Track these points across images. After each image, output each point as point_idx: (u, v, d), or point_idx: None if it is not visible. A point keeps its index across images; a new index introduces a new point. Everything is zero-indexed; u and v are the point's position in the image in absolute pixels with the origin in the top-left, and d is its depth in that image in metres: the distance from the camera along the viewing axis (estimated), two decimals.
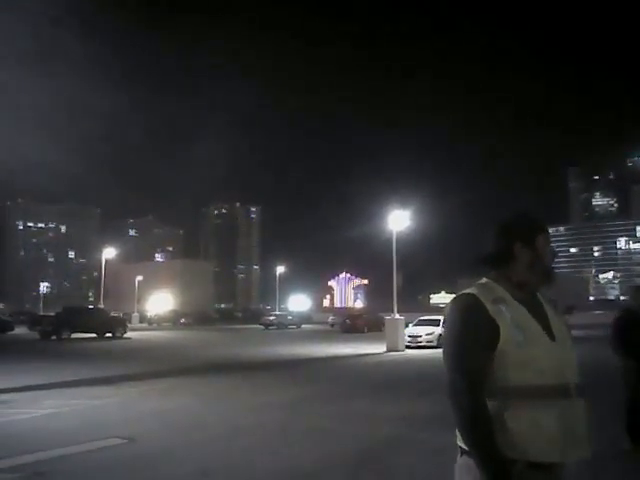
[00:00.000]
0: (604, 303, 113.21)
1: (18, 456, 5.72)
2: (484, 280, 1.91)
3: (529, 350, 1.73)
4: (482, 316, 1.76)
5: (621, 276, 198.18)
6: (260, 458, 5.77)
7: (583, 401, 1.78)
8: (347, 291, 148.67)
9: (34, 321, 32.86)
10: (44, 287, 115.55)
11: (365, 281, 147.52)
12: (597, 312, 62.58)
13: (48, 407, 8.64)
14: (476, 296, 1.81)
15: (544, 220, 1.96)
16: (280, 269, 64.78)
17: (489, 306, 1.78)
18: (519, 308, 1.81)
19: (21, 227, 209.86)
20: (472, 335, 1.75)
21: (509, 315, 1.77)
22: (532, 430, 1.68)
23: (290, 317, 51.34)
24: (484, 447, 1.66)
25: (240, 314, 75.99)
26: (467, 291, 1.86)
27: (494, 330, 1.74)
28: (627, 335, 5.69)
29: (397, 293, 22.95)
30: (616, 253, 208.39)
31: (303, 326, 49.37)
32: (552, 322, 1.83)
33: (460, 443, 1.77)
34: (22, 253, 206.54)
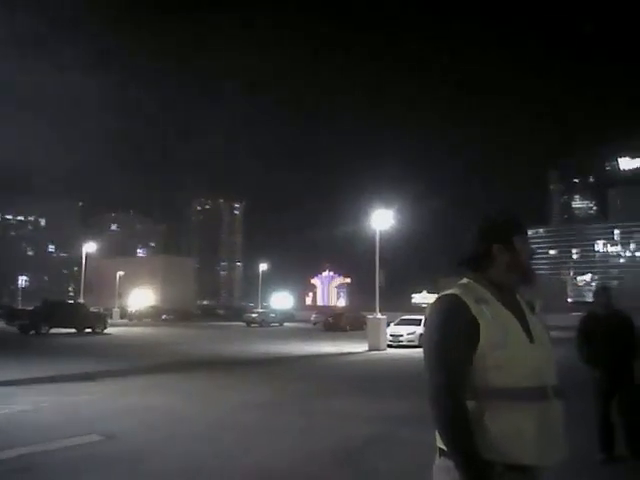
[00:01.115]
0: (582, 305, 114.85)
1: None
2: (465, 280, 1.92)
3: (509, 352, 1.75)
4: (464, 316, 1.77)
5: (599, 278, 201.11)
6: (240, 456, 5.78)
7: (561, 403, 1.80)
8: (330, 289, 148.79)
9: (12, 315, 32.25)
10: (23, 281, 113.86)
11: (348, 279, 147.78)
12: (575, 314, 63.51)
13: (26, 403, 8.53)
14: (458, 296, 1.82)
15: (523, 220, 1.97)
16: (263, 266, 64.55)
17: (471, 306, 1.78)
18: (500, 309, 1.83)
19: None
20: (454, 335, 1.76)
21: (490, 316, 1.78)
22: (511, 432, 1.69)
23: (273, 315, 51.23)
24: (463, 449, 1.67)
25: (222, 311, 75.60)
26: (449, 291, 1.86)
27: (475, 330, 1.75)
28: (588, 344, 5.26)
29: (379, 292, 23.04)
30: (594, 256, 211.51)
31: (285, 324, 49.32)
32: (531, 323, 1.85)
33: (439, 444, 1.77)
34: (0, 246, 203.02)
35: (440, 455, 1.77)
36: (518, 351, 1.77)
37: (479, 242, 1.91)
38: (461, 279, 1.95)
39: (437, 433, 1.77)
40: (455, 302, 1.81)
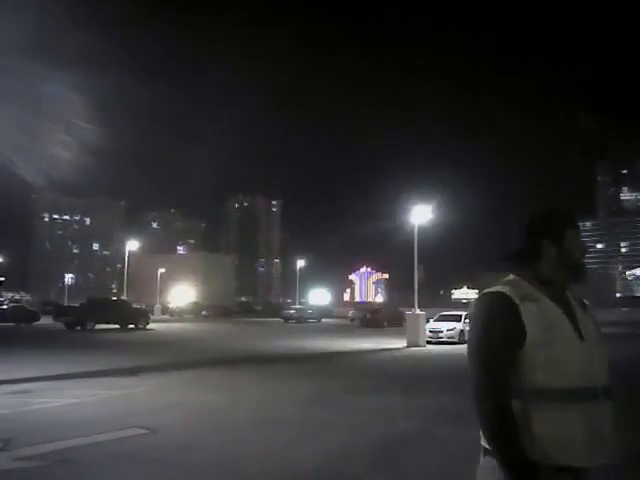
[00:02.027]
0: (631, 300, 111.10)
1: (42, 444, 5.82)
2: (511, 277, 1.86)
3: (557, 351, 1.68)
4: (510, 314, 1.71)
5: None
6: (278, 451, 5.78)
7: (611, 404, 1.73)
8: (368, 285, 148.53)
9: (59, 312, 33.41)
10: (69, 278, 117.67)
11: (386, 275, 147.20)
12: (624, 309, 61.48)
13: (71, 397, 8.79)
14: (504, 293, 1.76)
15: (574, 215, 1.89)
16: (300, 263, 64.90)
17: (517, 304, 1.72)
18: (548, 306, 1.76)
19: (47, 219, 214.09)
20: (499, 333, 1.70)
21: (538, 313, 1.72)
22: (559, 434, 1.63)
23: (310, 311, 51.40)
24: (509, 450, 1.62)
25: (260, 307, 76.43)
26: (495, 288, 1.80)
27: (521, 328, 1.69)
28: None
29: (418, 288, 22.78)
30: None
31: (323, 320, 49.43)
32: (581, 321, 1.78)
33: (484, 443, 1.73)
34: (47, 245, 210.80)
35: (485, 454, 1.73)
36: (567, 350, 1.70)
37: (528, 237, 1.85)
38: (506, 275, 1.89)
39: (482, 432, 1.72)
40: (500, 300, 1.75)
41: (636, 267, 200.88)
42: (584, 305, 1.87)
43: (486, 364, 1.70)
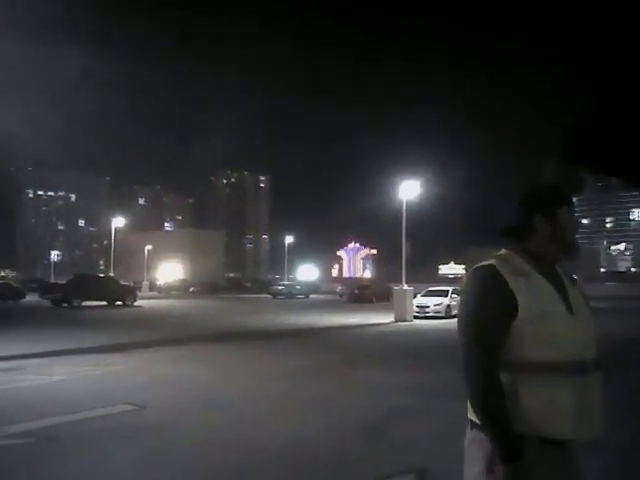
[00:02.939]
0: (615, 275, 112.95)
1: (29, 422, 5.81)
2: (503, 252, 1.85)
3: (548, 325, 1.68)
4: (501, 288, 1.71)
5: (633, 247, 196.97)
6: (267, 426, 5.81)
7: (599, 377, 1.74)
8: (356, 261, 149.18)
9: (45, 289, 33.25)
10: (55, 255, 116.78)
11: (374, 251, 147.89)
12: (608, 284, 62.52)
13: (59, 374, 8.76)
14: (496, 267, 1.75)
15: (567, 191, 1.89)
16: (289, 239, 64.88)
17: (509, 278, 1.72)
18: (539, 281, 1.76)
19: (31, 195, 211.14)
20: (490, 307, 1.70)
21: (529, 288, 1.72)
22: (546, 406, 1.64)
23: (298, 287, 51.63)
24: (497, 421, 1.64)
25: (249, 283, 76.58)
26: (486, 262, 1.80)
27: (512, 303, 1.69)
28: None
29: (406, 263, 22.91)
30: (629, 225, 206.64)
31: (311, 296, 49.68)
32: (571, 296, 1.78)
33: (471, 416, 1.74)
34: (33, 221, 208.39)
35: (472, 427, 1.75)
36: (557, 324, 1.70)
37: (520, 212, 1.84)
38: (495, 249, 1.89)
39: (469, 405, 1.74)
40: (492, 274, 1.75)
41: (620, 242, 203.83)
42: (573, 280, 1.87)
43: (476, 338, 1.69)
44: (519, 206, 1.85)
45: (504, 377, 1.67)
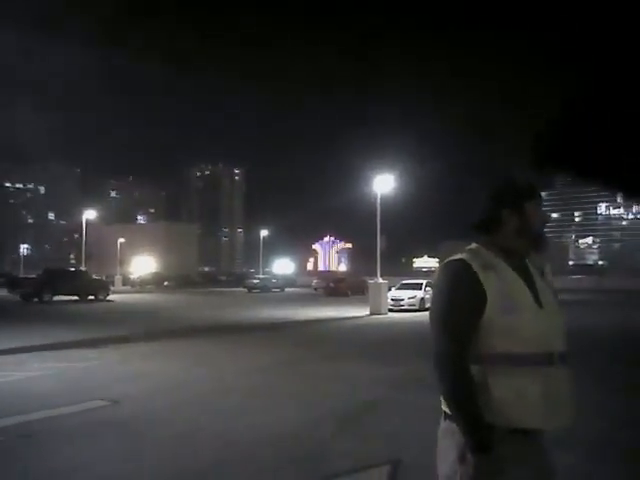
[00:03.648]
0: (583, 268, 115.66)
1: (2, 419, 5.71)
2: (474, 246, 1.89)
3: (516, 318, 1.73)
4: (471, 282, 1.75)
5: (600, 241, 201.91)
6: (242, 420, 5.83)
7: (567, 369, 1.79)
8: (331, 254, 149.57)
9: (14, 283, 32.45)
10: (24, 249, 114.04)
11: (349, 245, 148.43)
12: (575, 277, 63.99)
13: (31, 370, 8.61)
14: (466, 262, 1.79)
15: (536, 185, 1.91)
16: (264, 232, 64.62)
17: (479, 272, 1.76)
18: (509, 274, 1.80)
19: None
20: (460, 301, 1.74)
21: (498, 282, 1.76)
22: (515, 397, 1.69)
23: (274, 280, 51.56)
24: (467, 412, 1.68)
25: (224, 277, 76.07)
26: (457, 257, 1.83)
27: (482, 297, 1.73)
28: None
29: (380, 257, 23.08)
30: (596, 219, 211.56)
31: (287, 289, 49.66)
32: (540, 289, 1.82)
33: (444, 407, 1.78)
34: (0, 214, 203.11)
35: (445, 418, 1.79)
36: (526, 317, 1.74)
37: (489, 206, 1.87)
38: (467, 243, 1.92)
39: (442, 397, 1.78)
40: (462, 268, 1.78)
41: (588, 236, 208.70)
42: (542, 273, 1.91)
43: (447, 331, 1.74)
44: (488, 200, 1.87)
45: (475, 369, 1.71)
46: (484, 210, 1.88)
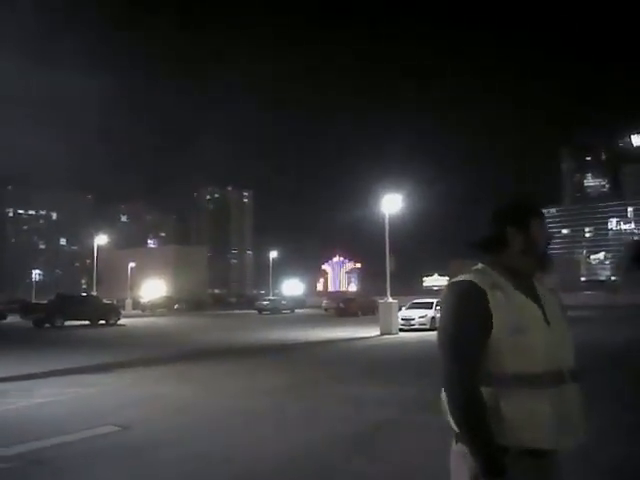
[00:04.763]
0: (595, 284, 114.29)
1: (14, 445, 5.71)
2: (480, 266, 1.89)
3: (524, 337, 1.72)
4: (478, 303, 1.74)
5: (612, 257, 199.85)
6: (253, 444, 5.79)
7: (577, 386, 1.77)
8: (340, 275, 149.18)
9: (27, 309, 32.61)
10: (36, 275, 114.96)
11: (358, 265, 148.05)
12: (588, 293, 63.28)
13: (43, 396, 8.62)
14: (473, 282, 1.79)
15: (539, 204, 1.93)
16: (273, 254, 64.82)
17: (485, 292, 1.76)
18: (515, 294, 1.80)
19: (11, 214, 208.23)
20: (468, 322, 1.73)
21: (506, 301, 1.76)
22: (527, 417, 1.67)
23: (284, 302, 51.43)
24: (478, 435, 1.66)
25: (234, 299, 76.05)
26: (463, 277, 1.83)
27: (489, 317, 1.73)
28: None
29: (390, 276, 23.00)
30: (607, 234, 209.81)
31: (297, 310, 49.50)
32: (547, 307, 1.82)
33: (455, 428, 1.76)
34: (13, 240, 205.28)
35: (457, 441, 1.76)
36: (534, 336, 1.74)
37: (493, 225, 1.88)
38: (475, 262, 1.92)
39: (452, 419, 1.75)
40: (469, 289, 1.78)
41: (600, 252, 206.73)
42: (550, 290, 1.91)
43: (456, 353, 1.73)
44: (492, 219, 1.88)
45: (485, 391, 1.69)
46: (489, 229, 1.88)
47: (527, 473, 1.67)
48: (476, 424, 1.67)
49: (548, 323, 1.78)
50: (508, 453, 1.66)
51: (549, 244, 1.92)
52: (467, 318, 1.74)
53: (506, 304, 1.75)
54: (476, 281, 1.78)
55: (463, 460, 1.71)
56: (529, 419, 1.67)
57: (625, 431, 5.85)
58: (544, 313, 1.79)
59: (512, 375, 1.70)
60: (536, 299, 1.82)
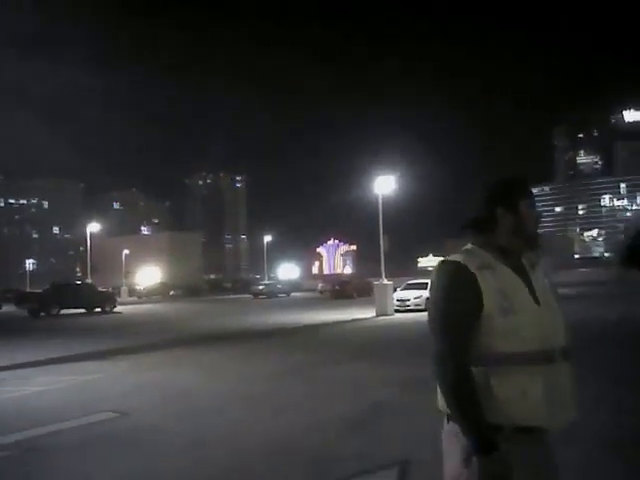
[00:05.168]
0: (589, 261, 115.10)
1: (12, 433, 5.74)
2: (469, 246, 1.89)
3: (514, 317, 1.72)
4: (467, 283, 1.74)
5: (606, 234, 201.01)
6: (252, 426, 5.84)
7: (568, 364, 1.78)
8: (335, 257, 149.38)
9: (21, 298, 32.68)
10: (30, 264, 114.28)
11: (353, 247, 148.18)
12: (582, 270, 63.70)
13: (40, 384, 8.64)
14: (461, 263, 1.78)
15: (528, 183, 1.91)
16: (267, 238, 64.82)
17: (475, 272, 1.75)
18: (505, 273, 1.79)
19: (2, 204, 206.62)
20: (457, 302, 1.73)
21: (495, 281, 1.76)
22: (517, 395, 1.68)
23: (279, 285, 51.56)
24: (469, 414, 1.67)
25: (229, 284, 76.18)
26: (452, 258, 1.83)
27: (479, 297, 1.73)
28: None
29: (385, 258, 23.06)
30: (600, 211, 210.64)
31: (293, 294, 49.63)
32: (536, 286, 1.82)
33: (442, 408, 1.78)
34: (5, 230, 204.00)
35: (448, 420, 1.77)
36: (524, 315, 1.74)
37: (483, 205, 1.87)
38: (465, 243, 1.92)
39: (442, 399, 1.76)
40: (458, 269, 1.77)
41: (593, 229, 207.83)
42: (539, 269, 1.90)
43: (445, 333, 1.73)
44: (482, 200, 1.87)
45: (476, 370, 1.70)
46: (478, 210, 1.88)
47: (519, 451, 1.68)
48: (467, 402, 1.67)
49: (538, 303, 1.78)
50: (499, 431, 1.67)
51: (539, 223, 1.92)
52: (456, 298, 1.74)
53: (496, 284, 1.75)
54: (465, 261, 1.78)
55: (455, 439, 1.72)
56: (521, 397, 1.68)
57: (613, 401, 5.92)
58: (533, 293, 1.79)
59: (503, 354, 1.70)
60: (526, 279, 1.81)
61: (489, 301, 1.73)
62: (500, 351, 1.70)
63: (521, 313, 1.74)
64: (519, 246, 1.86)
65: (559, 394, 1.72)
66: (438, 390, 1.79)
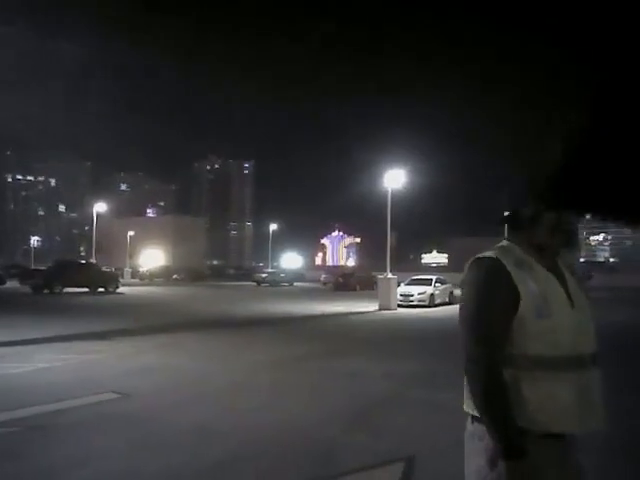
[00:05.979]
0: (594, 265, 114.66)
1: (13, 410, 5.72)
2: (505, 243, 1.82)
3: (550, 319, 1.67)
4: (504, 281, 1.68)
5: (611, 238, 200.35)
6: (253, 416, 5.80)
7: (597, 370, 1.73)
8: (340, 249, 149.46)
9: (26, 275, 32.70)
10: (35, 241, 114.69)
11: (358, 239, 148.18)
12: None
13: (41, 361, 8.64)
14: (498, 259, 1.72)
15: None
16: (273, 226, 64.73)
17: (512, 271, 1.69)
18: (542, 273, 1.73)
19: (10, 180, 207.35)
20: (492, 302, 1.67)
21: (532, 281, 1.70)
22: (548, 400, 1.63)
23: (282, 275, 51.60)
24: (499, 418, 1.62)
25: (232, 271, 76.33)
26: (488, 254, 1.76)
27: (515, 296, 1.67)
28: None
29: (390, 252, 22.99)
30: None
31: (295, 284, 49.69)
32: (571, 288, 1.76)
33: (470, 410, 1.72)
34: (12, 206, 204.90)
35: (473, 421, 1.73)
36: (560, 318, 1.68)
37: (526, 202, 1.80)
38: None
39: (468, 399, 1.72)
40: (495, 266, 1.71)
41: (599, 233, 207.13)
42: (572, 271, 1.85)
43: (480, 332, 1.67)
44: (524, 195, 1.80)
45: (507, 372, 1.65)
46: (519, 205, 1.81)
47: (547, 456, 1.64)
48: (498, 406, 1.62)
49: (573, 305, 1.72)
50: (528, 436, 1.62)
51: (578, 223, 1.88)
52: (492, 296, 1.67)
53: (532, 284, 1.69)
54: (501, 258, 1.71)
55: (479, 441, 1.68)
56: (550, 402, 1.63)
57: (625, 406, 5.85)
58: (569, 294, 1.73)
59: (534, 357, 1.65)
60: (562, 279, 1.76)
61: (525, 301, 1.66)
62: (532, 354, 1.65)
63: (557, 316, 1.68)
64: (558, 245, 1.80)
65: (589, 399, 1.68)
66: (465, 390, 1.73)
